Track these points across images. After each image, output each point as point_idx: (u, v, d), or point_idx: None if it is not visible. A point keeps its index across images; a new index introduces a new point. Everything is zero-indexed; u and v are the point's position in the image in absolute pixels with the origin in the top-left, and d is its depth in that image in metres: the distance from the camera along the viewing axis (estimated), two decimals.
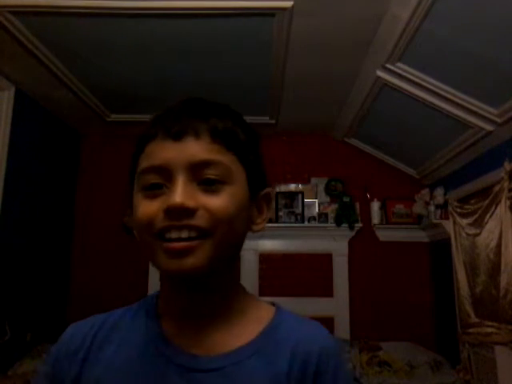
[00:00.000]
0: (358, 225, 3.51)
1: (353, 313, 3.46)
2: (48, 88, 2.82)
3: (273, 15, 2.03)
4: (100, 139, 3.75)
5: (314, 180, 3.71)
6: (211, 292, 0.59)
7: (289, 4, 1.93)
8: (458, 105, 2.37)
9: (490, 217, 2.49)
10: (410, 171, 3.60)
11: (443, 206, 3.19)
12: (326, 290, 3.51)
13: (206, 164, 0.54)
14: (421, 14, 1.88)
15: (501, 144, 2.48)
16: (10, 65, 2.54)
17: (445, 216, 3.14)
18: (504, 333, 2.33)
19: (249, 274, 3.50)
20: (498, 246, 2.40)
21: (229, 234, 0.55)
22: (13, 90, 2.75)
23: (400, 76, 2.39)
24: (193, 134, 0.55)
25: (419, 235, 3.55)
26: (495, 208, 2.44)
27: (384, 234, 3.59)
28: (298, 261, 3.60)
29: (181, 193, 0.52)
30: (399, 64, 2.30)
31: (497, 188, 2.41)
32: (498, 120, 2.29)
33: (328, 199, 3.64)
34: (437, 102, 2.43)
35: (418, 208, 3.43)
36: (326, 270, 3.55)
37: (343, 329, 3.39)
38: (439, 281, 3.41)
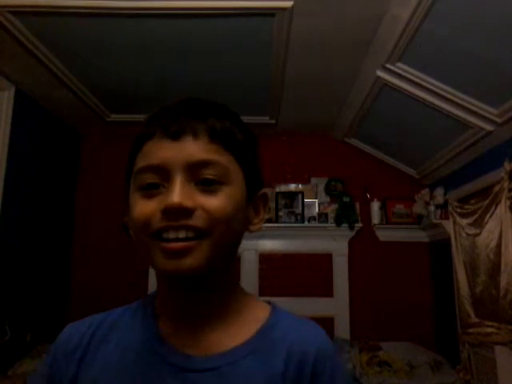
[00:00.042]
0: (358, 225, 3.51)
1: (353, 313, 3.46)
2: (48, 88, 2.82)
3: (273, 15, 2.03)
4: (100, 139, 3.75)
5: (313, 180, 3.71)
6: (208, 292, 0.59)
7: (289, 4, 1.93)
8: (458, 105, 2.37)
9: (490, 217, 2.49)
10: (410, 171, 3.60)
11: (443, 206, 3.19)
12: (326, 290, 3.51)
13: (203, 164, 0.54)
14: (421, 14, 1.88)
15: (501, 144, 2.48)
16: (10, 65, 2.54)
17: (445, 216, 3.14)
18: (504, 333, 2.33)
19: (249, 274, 3.50)
20: (498, 246, 2.40)
21: (226, 234, 0.55)
22: (13, 90, 2.75)
23: (400, 76, 2.39)
24: (191, 133, 0.54)
25: (419, 235, 3.55)
26: (495, 208, 2.44)
27: (384, 234, 3.59)
28: (297, 261, 3.60)
29: (179, 193, 0.52)
30: (399, 64, 2.31)
31: (497, 188, 2.41)
32: (498, 120, 2.29)
33: (328, 199, 3.64)
34: (437, 102, 2.43)
35: (418, 208, 3.43)
36: (326, 270, 3.55)
37: (343, 329, 3.40)
38: (439, 281, 3.41)
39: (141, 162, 0.56)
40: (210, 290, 0.59)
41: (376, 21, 2.08)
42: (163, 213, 0.52)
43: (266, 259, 3.60)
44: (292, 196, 3.61)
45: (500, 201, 2.38)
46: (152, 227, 0.53)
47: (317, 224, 3.54)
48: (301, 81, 2.73)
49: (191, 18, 2.08)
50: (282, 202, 3.58)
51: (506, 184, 2.33)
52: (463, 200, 2.91)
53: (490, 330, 2.48)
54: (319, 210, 3.59)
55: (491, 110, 2.29)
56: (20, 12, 2.03)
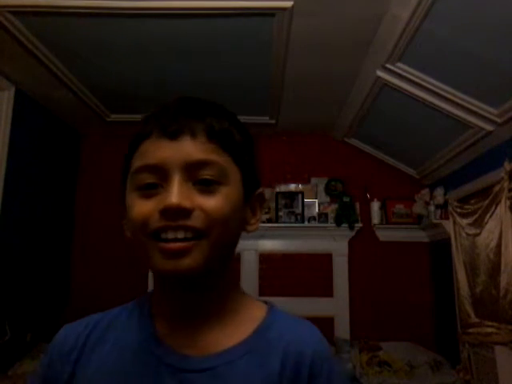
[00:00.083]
0: (358, 225, 3.51)
1: (353, 313, 3.46)
2: (48, 88, 2.82)
3: (273, 15, 2.03)
4: (100, 139, 3.75)
5: (313, 180, 3.71)
6: (205, 292, 0.59)
7: (289, 4, 1.93)
8: (458, 105, 2.37)
9: (490, 217, 2.49)
10: (410, 171, 3.60)
11: (443, 206, 3.19)
12: (326, 290, 3.51)
13: (202, 164, 0.54)
14: (421, 14, 1.88)
15: (501, 144, 2.48)
16: (10, 65, 2.54)
17: (445, 216, 3.14)
18: (504, 333, 2.33)
19: (249, 274, 3.50)
20: (498, 246, 2.40)
21: (224, 234, 0.55)
22: (13, 90, 2.75)
23: (400, 76, 2.39)
24: (189, 133, 0.54)
25: (419, 235, 3.55)
26: (495, 208, 2.44)
27: (384, 234, 3.59)
28: (298, 261, 3.60)
29: (177, 193, 0.52)
30: (399, 64, 2.31)
31: (497, 188, 2.41)
32: (498, 120, 2.29)
33: (328, 199, 3.64)
34: (437, 102, 2.43)
35: (417, 208, 3.43)
36: (326, 270, 3.55)
37: (343, 329, 3.40)
38: (439, 281, 3.41)
39: (138, 162, 0.56)
40: (208, 290, 0.59)
41: (376, 21, 2.08)
42: (161, 213, 0.52)
43: (266, 259, 3.60)
44: (292, 196, 3.61)
45: (500, 201, 2.38)
46: (150, 227, 0.53)
47: (317, 224, 3.53)
48: (301, 81, 2.73)
49: (191, 18, 2.08)
50: (282, 201, 3.58)
51: (506, 184, 2.33)
52: (463, 200, 2.91)
53: (490, 329, 2.48)
54: (319, 209, 3.59)
55: (491, 110, 2.29)
56: (20, 12, 2.03)
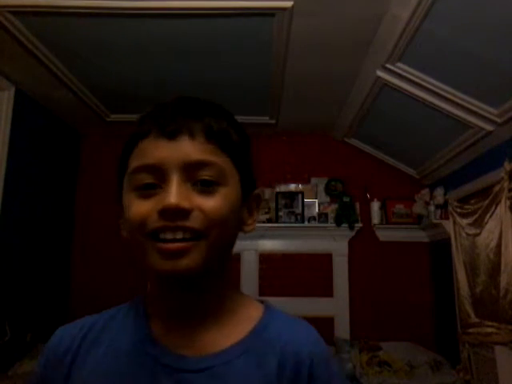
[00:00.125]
0: (358, 225, 3.51)
1: (353, 313, 3.46)
2: (48, 88, 2.82)
3: (273, 15, 2.03)
4: (100, 139, 3.75)
5: (313, 180, 3.71)
6: (203, 292, 0.59)
7: (289, 4, 1.93)
8: (458, 105, 2.37)
9: (490, 217, 2.49)
10: (410, 171, 3.60)
11: (443, 206, 3.19)
12: (326, 290, 3.51)
13: (200, 164, 0.54)
14: (421, 14, 1.88)
15: (501, 144, 2.48)
16: (10, 65, 2.54)
17: (445, 216, 3.14)
18: (504, 333, 2.33)
19: (249, 274, 3.51)
20: (498, 245, 2.40)
21: (222, 235, 0.55)
22: (13, 90, 2.75)
23: (400, 76, 2.39)
24: (187, 133, 0.54)
25: (419, 235, 3.55)
26: (495, 208, 2.44)
27: (384, 234, 3.59)
28: (298, 261, 3.60)
29: (176, 193, 0.51)
30: (399, 64, 2.31)
31: (497, 188, 2.41)
32: (498, 120, 2.29)
33: (328, 199, 3.64)
34: (437, 102, 2.43)
35: (418, 208, 3.43)
36: (326, 270, 3.55)
37: (343, 329, 3.40)
38: (439, 281, 3.41)
39: (136, 162, 0.55)
40: (205, 290, 0.59)
41: (376, 21, 2.08)
42: (160, 213, 0.52)
43: (266, 259, 3.60)
44: (292, 196, 3.61)
45: (500, 201, 2.38)
46: (148, 227, 0.52)
47: (317, 224, 3.53)
48: (301, 81, 2.73)
49: (191, 18, 2.08)
50: (281, 201, 3.58)
51: (506, 184, 2.33)
52: (463, 200, 2.91)
53: (490, 329, 2.48)
54: (319, 209, 3.59)
55: (491, 110, 2.29)
56: (20, 12, 2.03)
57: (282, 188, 3.66)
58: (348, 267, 3.53)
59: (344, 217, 3.47)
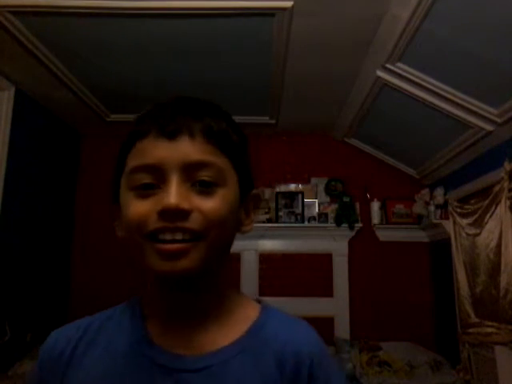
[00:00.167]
0: (358, 225, 3.51)
1: (353, 313, 3.46)
2: (48, 88, 2.82)
3: (273, 15, 2.03)
4: (100, 139, 3.75)
5: (313, 180, 3.71)
6: (201, 292, 0.58)
7: (289, 4, 1.93)
8: (458, 105, 2.37)
9: (490, 217, 2.49)
10: (410, 171, 3.60)
11: (443, 206, 3.19)
12: (326, 290, 3.51)
13: (200, 165, 0.53)
14: (421, 14, 1.88)
15: (501, 144, 2.48)
16: (10, 65, 2.54)
17: (445, 216, 3.14)
18: (504, 333, 2.33)
19: (249, 274, 3.51)
20: (498, 246, 2.40)
21: (221, 236, 0.55)
22: (13, 90, 2.75)
23: (400, 76, 2.39)
24: (187, 133, 0.54)
25: (419, 235, 3.55)
26: (495, 208, 2.44)
27: (384, 234, 3.59)
28: (298, 261, 3.60)
29: (175, 194, 0.51)
30: (399, 64, 2.30)
31: (497, 188, 2.41)
32: (498, 120, 2.29)
33: (328, 199, 3.64)
34: (437, 102, 2.43)
35: (418, 208, 3.43)
36: (326, 270, 3.55)
37: (343, 329, 3.40)
38: (439, 281, 3.40)
39: (135, 161, 0.55)
40: (203, 290, 0.59)
41: (376, 21, 2.08)
42: (159, 214, 0.51)
43: (266, 259, 3.60)
44: (292, 196, 3.61)
45: (500, 201, 2.38)
46: (147, 228, 0.52)
47: (317, 224, 3.53)
48: (301, 81, 2.73)
49: (191, 18, 2.08)
50: (281, 201, 3.58)
51: (506, 184, 2.33)
52: (463, 200, 2.91)
53: (490, 329, 2.48)
54: (319, 210, 3.59)
55: (491, 110, 2.29)
56: (20, 12, 2.03)
57: (282, 188, 3.66)
58: (348, 267, 3.53)
59: (344, 217, 3.47)
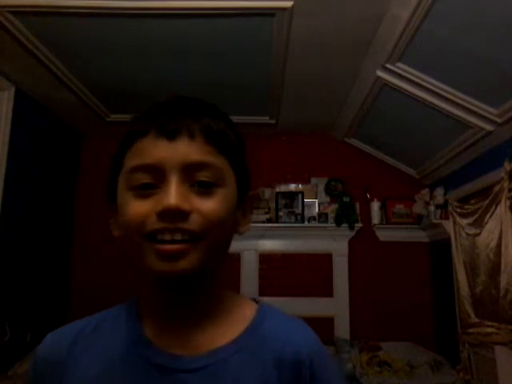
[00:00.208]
0: (358, 225, 3.51)
1: (353, 313, 3.46)
2: (48, 88, 2.82)
3: (273, 15, 2.03)
4: (100, 139, 3.75)
5: (313, 180, 3.71)
6: (199, 292, 0.58)
7: (289, 4, 1.93)
8: (458, 105, 2.37)
9: (490, 217, 2.49)
10: (410, 171, 3.60)
11: (443, 206, 3.19)
12: (326, 290, 3.51)
13: (200, 166, 0.53)
14: (421, 14, 1.88)
15: (501, 144, 2.48)
16: (10, 65, 2.54)
17: (445, 216, 3.14)
18: (504, 333, 2.33)
19: (249, 274, 3.51)
20: (498, 246, 2.40)
21: (220, 237, 0.55)
22: (13, 90, 2.75)
23: (400, 76, 2.39)
24: (187, 133, 0.54)
25: (419, 235, 3.55)
26: (495, 208, 2.44)
27: (384, 234, 3.59)
28: (298, 261, 3.60)
29: (175, 195, 0.51)
30: (399, 64, 2.30)
31: (497, 188, 2.41)
32: (498, 120, 2.29)
33: (328, 199, 3.64)
34: (437, 102, 2.43)
35: (418, 208, 3.43)
36: (326, 270, 3.55)
37: (343, 329, 3.40)
38: (439, 281, 3.40)
39: (133, 161, 0.54)
40: (201, 291, 0.59)
41: (376, 21, 2.08)
42: (159, 215, 0.51)
43: (266, 259, 3.60)
44: (292, 196, 3.61)
45: (500, 201, 2.38)
46: (146, 228, 0.52)
47: (317, 224, 3.53)
48: (301, 81, 2.73)
49: (191, 18, 2.08)
50: (282, 201, 3.58)
51: (506, 184, 2.33)
52: (463, 200, 2.91)
53: (490, 330, 2.48)
54: (319, 209, 3.59)
55: (491, 110, 2.29)
56: (20, 12, 2.03)
57: (282, 188, 3.66)
58: (348, 267, 3.53)
59: (344, 217, 3.47)
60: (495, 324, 2.43)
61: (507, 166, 2.31)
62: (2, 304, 2.66)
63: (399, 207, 3.58)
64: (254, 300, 0.65)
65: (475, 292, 2.69)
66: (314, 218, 3.56)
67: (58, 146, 3.40)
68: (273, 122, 3.44)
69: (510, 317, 2.28)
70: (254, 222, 3.37)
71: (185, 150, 0.53)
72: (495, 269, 2.44)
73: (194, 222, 0.52)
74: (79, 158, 3.75)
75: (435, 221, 3.20)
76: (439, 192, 3.21)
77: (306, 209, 3.57)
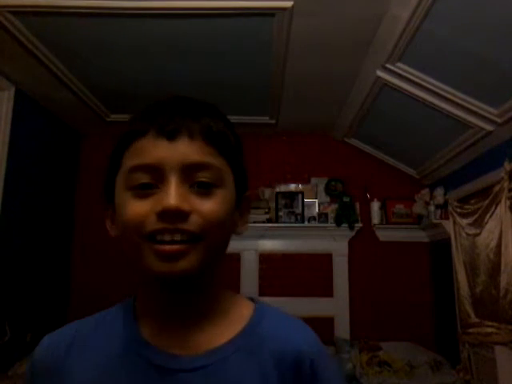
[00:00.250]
0: (358, 225, 3.51)
1: (353, 313, 3.46)
2: (48, 88, 2.82)
3: (273, 15, 2.03)
4: (100, 139, 3.75)
5: (313, 180, 3.71)
6: (197, 292, 0.58)
7: (289, 4, 1.93)
8: (458, 105, 2.37)
9: (490, 217, 2.49)
10: (410, 171, 3.60)
11: (443, 206, 3.19)
12: (326, 290, 3.51)
13: (199, 166, 0.53)
14: (421, 14, 1.88)
15: (501, 144, 2.48)
16: (10, 65, 2.54)
17: (445, 216, 3.14)
18: (504, 333, 2.33)
19: (249, 274, 3.51)
20: (498, 246, 2.40)
21: (219, 237, 0.55)
22: (13, 90, 2.75)
23: (400, 76, 2.39)
24: (186, 134, 0.54)
25: (419, 235, 3.55)
26: (495, 208, 2.44)
27: (384, 234, 3.59)
28: (298, 261, 3.60)
29: (175, 195, 0.51)
30: (399, 64, 2.30)
31: (497, 188, 2.41)
32: (498, 120, 2.29)
33: (328, 199, 3.64)
34: (437, 102, 2.43)
35: (418, 208, 3.43)
36: (326, 270, 3.55)
37: (343, 329, 3.40)
38: (439, 281, 3.40)
39: (132, 161, 0.54)
40: (199, 291, 0.59)
41: (376, 21, 2.08)
42: (159, 215, 0.51)
43: (266, 259, 3.60)
44: (292, 196, 3.61)
45: (500, 201, 2.38)
46: (146, 229, 0.52)
47: (317, 224, 3.53)
48: (301, 81, 2.73)
49: (191, 18, 2.08)
50: (282, 201, 3.58)
51: (506, 184, 2.33)
52: (463, 200, 2.91)
53: (490, 329, 2.48)
54: (319, 210, 3.59)
55: (491, 110, 2.29)
56: (20, 12, 2.03)
57: (282, 188, 3.66)
58: (348, 267, 3.53)
59: (344, 217, 3.47)
60: (495, 324, 2.43)
61: (507, 166, 2.31)
62: (2, 304, 2.66)
63: (399, 207, 3.58)
64: (251, 299, 0.65)
65: (475, 292, 2.69)
66: (314, 218, 3.56)
67: (57, 145, 3.39)
68: (273, 122, 3.44)
69: (510, 317, 2.28)
70: (253, 222, 3.37)
71: (185, 150, 0.53)
72: (495, 269, 2.44)
73: (193, 223, 0.52)
74: (79, 158, 3.75)
75: (435, 221, 3.20)
76: (439, 192, 3.21)
77: (306, 209, 3.57)
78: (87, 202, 3.66)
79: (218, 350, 0.56)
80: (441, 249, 3.32)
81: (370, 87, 2.65)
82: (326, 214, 3.55)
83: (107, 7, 1.97)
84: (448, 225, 3.03)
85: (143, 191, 0.53)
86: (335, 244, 3.56)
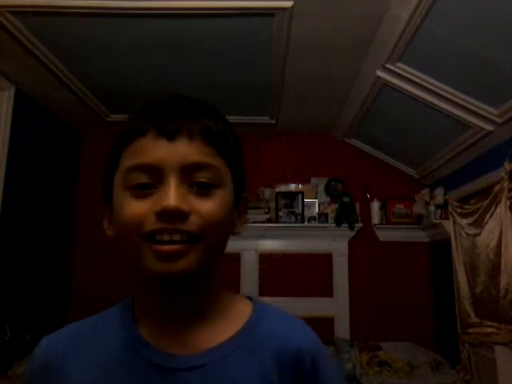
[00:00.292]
0: (358, 225, 3.51)
1: (353, 313, 3.46)
2: (48, 88, 2.82)
3: (273, 15, 2.03)
4: (100, 139, 3.74)
5: (314, 180, 3.71)
6: (196, 292, 0.58)
7: (289, 4, 1.93)
8: (458, 105, 2.37)
9: (490, 217, 2.49)
10: (410, 171, 3.60)
11: (443, 206, 3.19)
12: (326, 290, 3.51)
13: (199, 167, 0.53)
14: (421, 14, 1.88)
15: (501, 144, 2.48)
16: (10, 65, 2.54)
17: (445, 216, 3.14)
18: (504, 333, 2.33)
19: (249, 274, 3.51)
20: (498, 246, 2.40)
21: (218, 237, 0.55)
22: (13, 90, 2.75)
23: (400, 76, 2.39)
24: (186, 134, 0.54)
25: (419, 235, 3.55)
26: (495, 208, 2.44)
27: (384, 234, 3.59)
28: (298, 261, 3.60)
29: (175, 195, 0.51)
30: (399, 64, 2.30)
31: (497, 188, 2.41)
32: (498, 120, 2.29)
33: (328, 199, 3.64)
34: (437, 102, 2.43)
35: (418, 208, 3.43)
36: (326, 270, 3.55)
37: (343, 329, 3.40)
38: (439, 281, 3.40)
39: (132, 160, 0.54)
40: (198, 290, 0.59)
41: (376, 20, 2.08)
42: (158, 215, 0.51)
43: (266, 259, 3.60)
44: (292, 196, 3.61)
45: (500, 201, 2.38)
46: (144, 229, 0.52)
47: (317, 224, 3.53)
48: (301, 81, 2.73)
49: (191, 18, 2.08)
50: (282, 201, 3.58)
51: (506, 184, 2.33)
52: (463, 200, 2.91)
53: (490, 330, 2.48)
54: (319, 210, 3.59)
55: (491, 110, 2.29)
56: (20, 12, 2.03)
57: (282, 188, 3.66)
58: (348, 267, 3.53)
59: (344, 217, 3.47)
60: (495, 324, 2.43)
61: (507, 166, 2.31)
62: (2, 304, 2.66)
63: (399, 207, 3.58)
64: (249, 298, 0.65)
65: (475, 292, 2.69)
66: (314, 218, 3.56)
67: (57, 145, 3.39)
68: (273, 122, 3.44)
69: (510, 317, 2.28)
70: (253, 222, 3.37)
71: (184, 150, 0.53)
72: (495, 269, 2.44)
73: (192, 223, 0.52)
74: (79, 158, 3.75)
75: (435, 221, 3.20)
76: (439, 192, 3.21)
77: (306, 209, 3.57)
78: (87, 202, 3.66)
79: (217, 349, 0.56)
80: (441, 249, 3.32)
81: (370, 87, 2.65)
82: (326, 214, 3.55)
83: (107, 7, 1.97)
84: (448, 225, 3.03)
85: (142, 191, 0.53)
86: (335, 244, 3.56)
